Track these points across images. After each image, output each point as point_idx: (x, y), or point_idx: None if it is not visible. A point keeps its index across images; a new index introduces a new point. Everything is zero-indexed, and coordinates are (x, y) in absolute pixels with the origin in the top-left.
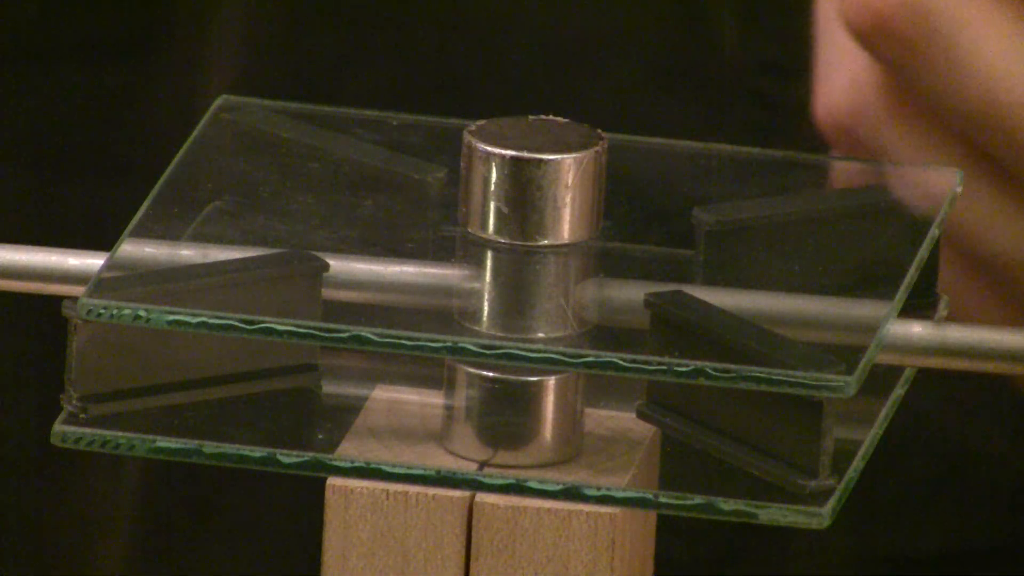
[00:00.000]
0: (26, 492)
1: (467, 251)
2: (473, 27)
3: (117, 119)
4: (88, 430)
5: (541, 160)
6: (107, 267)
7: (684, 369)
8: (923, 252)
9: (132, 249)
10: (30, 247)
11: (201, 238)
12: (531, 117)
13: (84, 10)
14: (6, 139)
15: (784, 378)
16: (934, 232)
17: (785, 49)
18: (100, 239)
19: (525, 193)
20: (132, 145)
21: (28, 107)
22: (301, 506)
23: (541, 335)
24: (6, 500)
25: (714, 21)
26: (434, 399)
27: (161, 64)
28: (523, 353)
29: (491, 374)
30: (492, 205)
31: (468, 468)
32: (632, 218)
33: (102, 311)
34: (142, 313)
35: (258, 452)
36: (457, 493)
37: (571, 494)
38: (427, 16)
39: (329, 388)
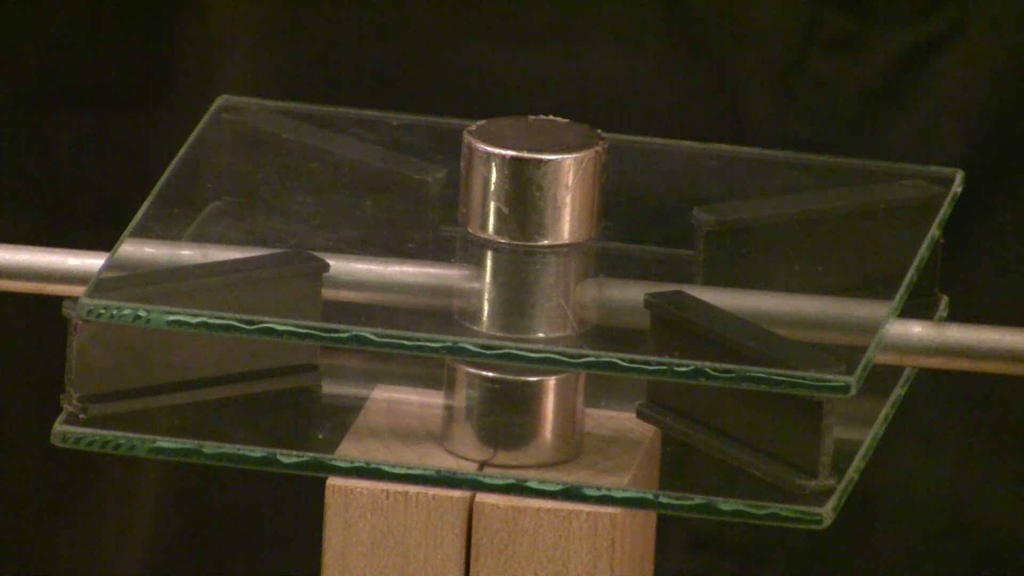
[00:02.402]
0: (26, 492)
1: (467, 251)
2: (473, 27)
3: (123, 167)
4: (88, 430)
5: (541, 160)
6: (107, 267)
7: (684, 369)
8: (923, 252)
9: (132, 249)
10: (30, 247)
11: (201, 238)
12: (531, 117)
13: (90, 59)
14: (11, 186)
15: (784, 378)
16: (934, 232)
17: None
18: None
19: (525, 193)
20: (137, 194)
21: (33, 154)
22: (301, 506)
23: (541, 335)
24: (6, 500)
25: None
26: (434, 399)
27: (166, 113)
28: (523, 353)
29: (491, 374)
30: (492, 205)
31: (468, 468)
32: (632, 218)
33: (102, 311)
34: (142, 313)
35: (258, 452)
36: (457, 493)
37: (571, 494)
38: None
39: (329, 388)
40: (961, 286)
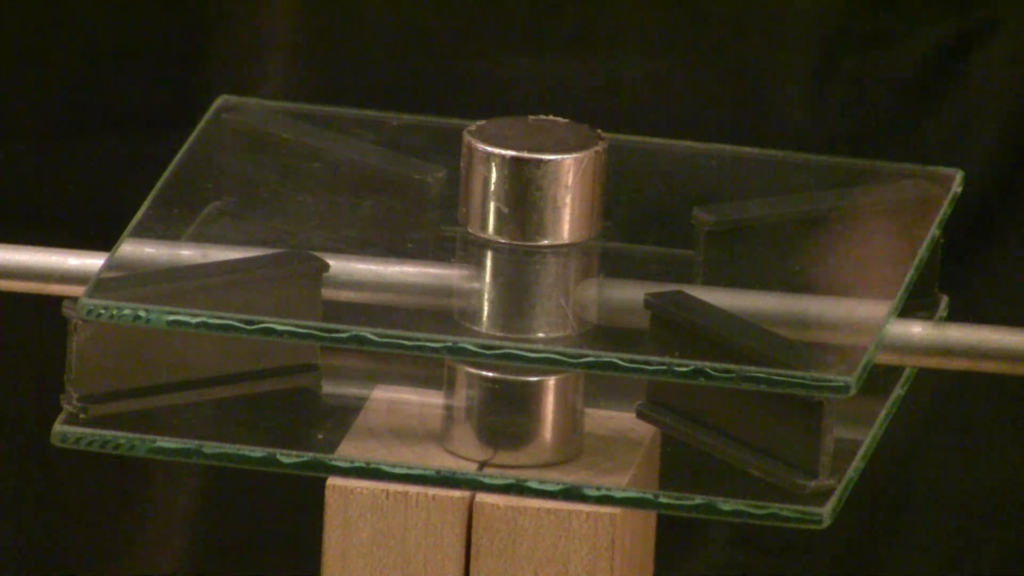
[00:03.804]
0: (26, 492)
1: (467, 251)
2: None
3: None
4: (88, 430)
5: (541, 160)
6: (107, 267)
7: (684, 369)
8: (923, 252)
9: (132, 249)
10: (30, 247)
11: (201, 238)
12: (531, 117)
13: (122, 82)
14: (47, 210)
15: (784, 378)
16: (934, 232)
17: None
18: None
19: (525, 193)
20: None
21: (67, 178)
22: (301, 506)
23: (541, 335)
24: (6, 500)
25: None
26: (434, 399)
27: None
28: (523, 353)
29: (491, 374)
30: (492, 205)
31: (468, 468)
32: (632, 218)
33: (102, 311)
34: (142, 313)
35: (258, 452)
36: (457, 493)
37: (571, 494)
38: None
39: (329, 388)
40: (961, 286)
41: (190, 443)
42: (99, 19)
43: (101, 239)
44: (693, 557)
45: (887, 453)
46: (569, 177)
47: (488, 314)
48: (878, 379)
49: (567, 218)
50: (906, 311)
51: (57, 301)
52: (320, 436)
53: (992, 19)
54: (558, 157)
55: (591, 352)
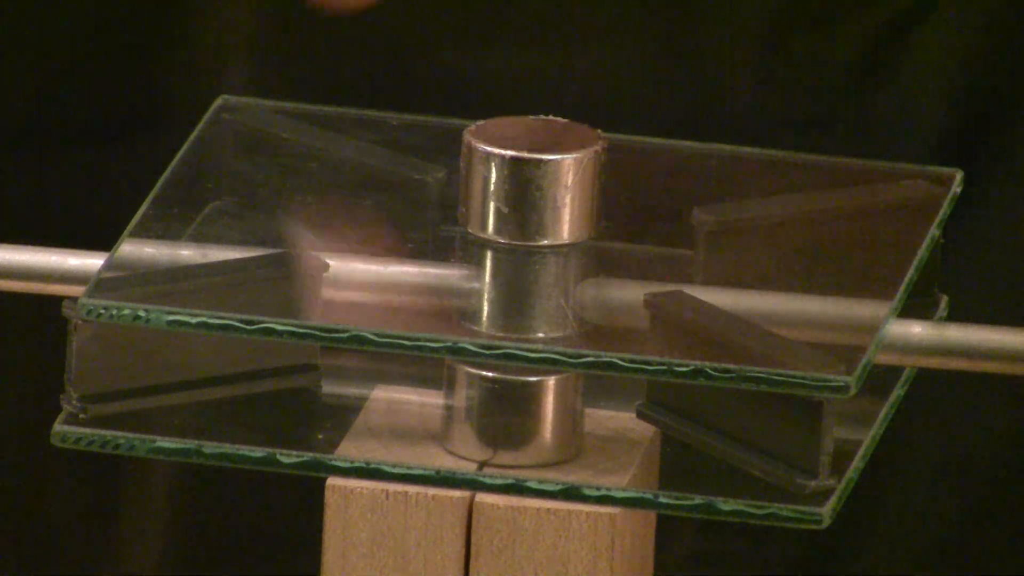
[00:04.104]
0: (26, 492)
1: (467, 251)
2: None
3: (124, 199)
4: (88, 430)
5: (540, 160)
6: (107, 267)
7: (684, 369)
8: (923, 252)
9: (132, 249)
10: (30, 247)
11: (201, 238)
12: (531, 117)
13: (85, 94)
14: (13, 224)
15: (784, 378)
16: (934, 232)
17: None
18: None
19: (525, 193)
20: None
21: (33, 191)
22: (301, 506)
23: (541, 335)
24: (6, 500)
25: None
26: (434, 399)
27: (165, 143)
28: (523, 353)
29: (491, 374)
30: (492, 205)
31: (468, 468)
32: (632, 218)
33: (102, 311)
34: (142, 313)
35: (258, 452)
36: (457, 493)
37: (571, 494)
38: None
39: (329, 388)
40: (961, 286)
41: (190, 443)
42: (54, 30)
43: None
44: (663, 546)
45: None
46: (569, 177)
47: (488, 314)
48: (878, 379)
49: (567, 218)
50: (906, 311)
51: (57, 301)
52: (320, 436)
53: None
54: (558, 157)
55: (591, 352)
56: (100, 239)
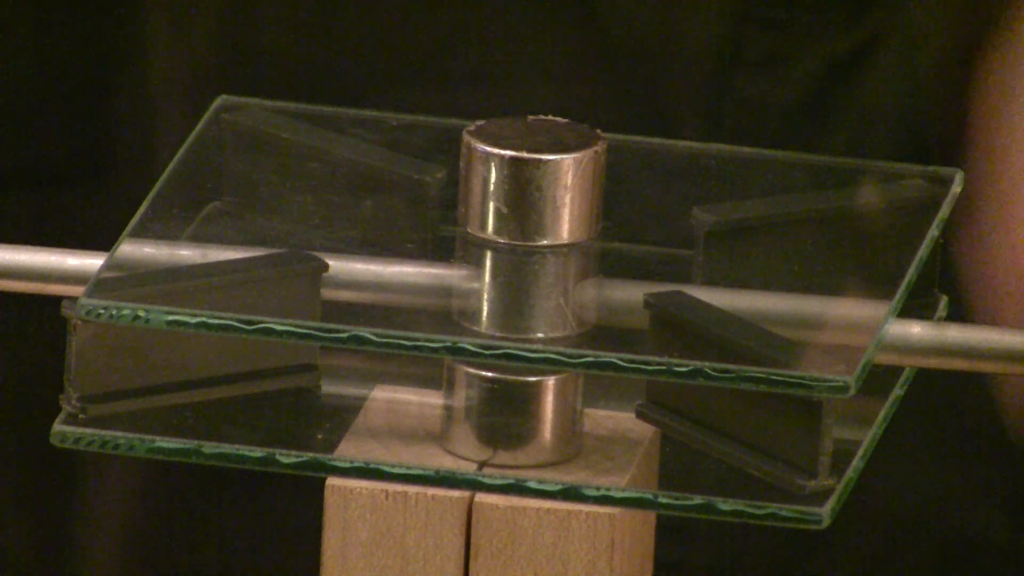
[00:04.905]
0: (26, 492)
1: (466, 251)
2: (398, 71)
3: (73, 244)
4: (88, 430)
5: (540, 160)
6: (107, 267)
7: (684, 369)
8: (923, 252)
9: (132, 249)
10: (30, 247)
11: (201, 238)
12: (531, 117)
13: (29, 138)
14: None
15: (784, 378)
16: (934, 232)
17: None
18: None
19: (524, 193)
20: None
21: None
22: (301, 506)
23: (540, 335)
24: (6, 500)
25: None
26: (434, 399)
27: (112, 186)
28: (522, 353)
29: (490, 374)
30: (491, 205)
31: (468, 468)
32: (632, 218)
33: (101, 311)
34: (141, 313)
35: (258, 452)
36: (457, 493)
37: (570, 494)
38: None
39: (329, 388)
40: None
41: (190, 443)
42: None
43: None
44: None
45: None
46: (568, 177)
47: (487, 314)
48: (878, 379)
49: (566, 218)
50: (906, 311)
51: (57, 301)
52: (319, 436)
53: (876, 34)
54: (557, 157)
55: (590, 352)
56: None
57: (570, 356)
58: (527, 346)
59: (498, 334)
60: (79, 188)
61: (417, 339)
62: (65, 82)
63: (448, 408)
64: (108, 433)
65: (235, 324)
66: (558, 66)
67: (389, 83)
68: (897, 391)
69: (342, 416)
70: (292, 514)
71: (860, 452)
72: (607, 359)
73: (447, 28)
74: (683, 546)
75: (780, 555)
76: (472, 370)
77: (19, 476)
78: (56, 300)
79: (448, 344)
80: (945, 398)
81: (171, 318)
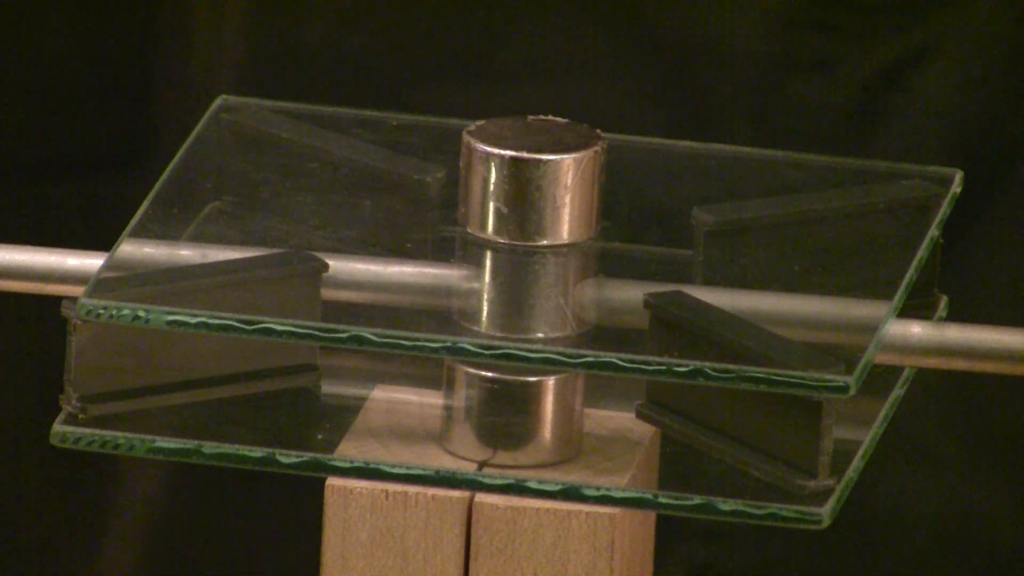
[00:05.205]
0: (26, 492)
1: (467, 251)
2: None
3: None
4: (88, 430)
5: (540, 160)
6: (106, 267)
7: (684, 369)
8: (923, 252)
9: (131, 249)
10: (30, 247)
11: (201, 238)
12: (531, 117)
13: (72, 127)
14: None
15: (784, 378)
16: (934, 232)
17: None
18: None
19: (524, 193)
20: None
21: (21, 224)
22: (301, 506)
23: (540, 335)
24: (6, 500)
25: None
26: (434, 399)
27: (152, 174)
28: (522, 353)
29: (490, 374)
30: (491, 205)
31: (468, 468)
32: (632, 218)
33: (101, 311)
34: (141, 313)
35: (258, 452)
36: (457, 493)
37: (570, 494)
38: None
39: (329, 388)
40: (961, 286)
41: (189, 443)
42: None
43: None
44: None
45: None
46: (568, 177)
47: (487, 314)
48: (878, 379)
49: (566, 218)
50: (906, 311)
51: (57, 301)
52: (320, 436)
53: (932, 40)
54: (557, 157)
55: (590, 352)
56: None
57: (570, 356)
58: (527, 346)
59: (498, 334)
60: (123, 175)
61: (417, 339)
62: (111, 73)
63: (448, 408)
64: (108, 433)
65: (235, 324)
66: (605, 64)
67: (430, 78)
68: (897, 391)
69: (342, 416)
70: (292, 514)
71: (860, 452)
72: (607, 359)
73: (491, 23)
74: (716, 549)
75: (815, 561)
76: (472, 370)
77: (19, 476)
78: (56, 300)
79: (448, 344)
80: (988, 407)
81: (171, 318)
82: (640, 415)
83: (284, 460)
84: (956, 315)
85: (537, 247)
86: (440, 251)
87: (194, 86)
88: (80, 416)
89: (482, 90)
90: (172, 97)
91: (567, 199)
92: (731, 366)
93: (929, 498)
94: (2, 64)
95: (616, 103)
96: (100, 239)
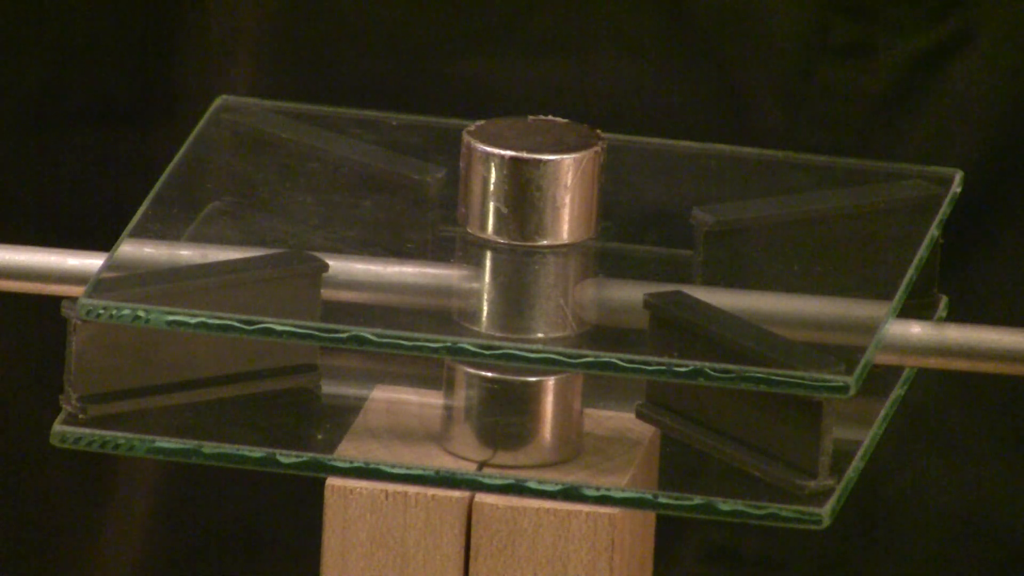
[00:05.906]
0: (26, 492)
1: (466, 251)
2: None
3: (129, 184)
4: (87, 430)
5: (540, 160)
6: (106, 267)
7: (684, 369)
8: (923, 252)
9: (131, 249)
10: (30, 247)
11: (201, 238)
12: (530, 117)
13: (93, 77)
14: (18, 207)
15: (784, 378)
16: (934, 232)
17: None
18: None
19: (524, 193)
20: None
21: (39, 173)
22: (301, 506)
23: (540, 335)
24: (6, 500)
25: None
26: (434, 399)
27: (171, 127)
28: (522, 353)
29: (490, 374)
30: (491, 205)
31: (467, 468)
32: (632, 218)
33: (101, 311)
34: (141, 313)
35: (258, 452)
36: (456, 493)
37: (570, 494)
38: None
39: (329, 388)
40: (960, 286)
41: (189, 443)
42: (67, 14)
43: (77, 236)
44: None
45: (865, 468)
46: (568, 177)
47: (487, 314)
48: (878, 379)
49: (566, 218)
50: (906, 311)
51: (57, 301)
52: (319, 436)
53: (967, 28)
54: (557, 157)
55: (590, 352)
56: (108, 223)
57: (570, 356)
58: (527, 346)
59: (498, 334)
60: (142, 127)
61: (417, 339)
62: (133, 26)
63: (448, 408)
64: (108, 433)
65: (235, 324)
66: (637, 41)
67: (462, 51)
68: (897, 391)
69: (342, 416)
70: (292, 514)
71: (860, 452)
72: (607, 359)
73: None
74: (731, 533)
75: (831, 547)
76: (472, 370)
77: (19, 476)
78: (56, 300)
79: (448, 344)
80: (1006, 400)
81: (171, 318)
82: (640, 415)
83: (284, 460)
84: (955, 315)
85: (537, 247)
86: (440, 251)
87: (216, 43)
88: (80, 416)
89: (509, 63)
90: (194, 53)
91: (567, 199)
92: (731, 366)
93: (951, 488)
94: (26, 18)
95: (644, 79)
96: (119, 189)
